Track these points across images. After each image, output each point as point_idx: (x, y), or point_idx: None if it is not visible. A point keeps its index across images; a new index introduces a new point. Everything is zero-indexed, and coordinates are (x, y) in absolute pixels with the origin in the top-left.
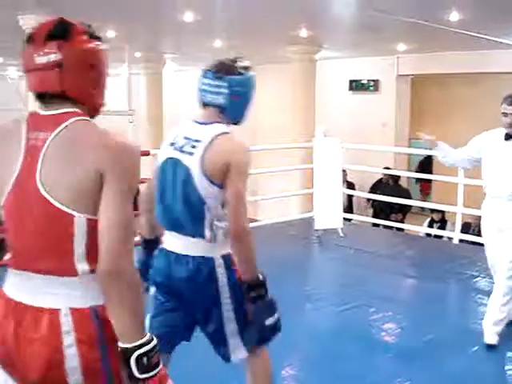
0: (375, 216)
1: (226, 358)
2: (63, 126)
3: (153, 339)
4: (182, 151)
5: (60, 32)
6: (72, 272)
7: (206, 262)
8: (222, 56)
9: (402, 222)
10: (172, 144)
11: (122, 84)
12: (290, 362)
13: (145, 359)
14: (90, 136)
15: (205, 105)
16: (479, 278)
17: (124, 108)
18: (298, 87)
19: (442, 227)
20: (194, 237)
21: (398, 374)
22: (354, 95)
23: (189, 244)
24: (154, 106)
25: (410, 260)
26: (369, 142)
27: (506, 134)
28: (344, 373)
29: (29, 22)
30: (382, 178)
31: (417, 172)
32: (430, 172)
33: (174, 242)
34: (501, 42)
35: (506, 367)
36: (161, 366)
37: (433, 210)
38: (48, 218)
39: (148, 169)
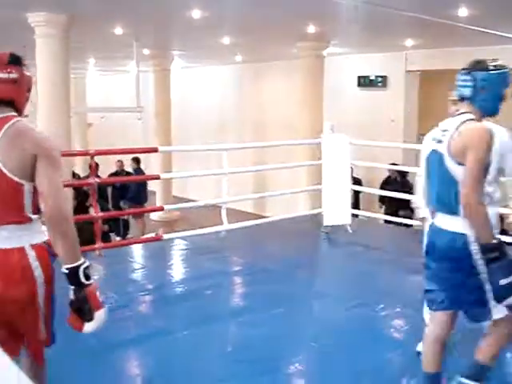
0: (387, 213)
1: (483, 318)
2: (10, 123)
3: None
4: (438, 141)
5: (16, 60)
6: (27, 220)
7: (460, 237)
8: (230, 52)
9: (410, 218)
10: (434, 138)
11: (130, 81)
12: (302, 356)
13: (86, 271)
14: (26, 132)
15: (459, 98)
16: None
17: (132, 105)
18: (306, 83)
19: None
20: (451, 214)
21: (410, 370)
22: (362, 91)
23: (447, 220)
24: (161, 103)
25: (419, 256)
26: (377, 138)
27: None
28: (358, 368)
29: (37, 19)
30: (390, 175)
31: None
32: None
33: (439, 218)
34: (510, 38)
35: None
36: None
37: None
38: (8, 187)
39: (157, 165)
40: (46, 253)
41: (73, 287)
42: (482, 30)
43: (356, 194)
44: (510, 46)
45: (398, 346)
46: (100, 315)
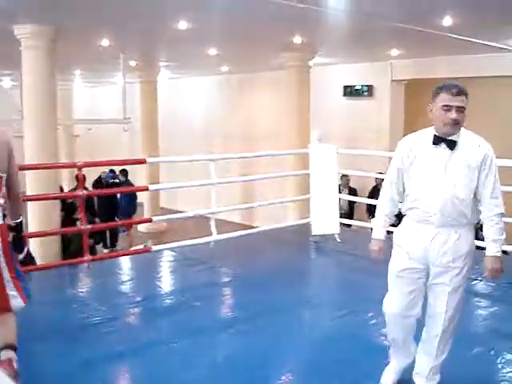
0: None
1: None
2: None
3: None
4: None
5: None
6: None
7: None
8: (217, 63)
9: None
10: None
11: (117, 92)
12: (292, 367)
13: (22, 224)
14: (3, 136)
15: None
16: (477, 281)
17: (119, 116)
18: (292, 93)
19: None
20: None
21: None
22: (348, 101)
23: None
24: (148, 114)
25: None
26: (364, 147)
27: (436, 137)
28: (348, 377)
29: (24, 31)
30: (376, 184)
31: None
32: None
33: None
34: (494, 46)
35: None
36: None
37: None
38: None
39: (144, 176)
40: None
41: (14, 233)
42: (466, 38)
43: (350, 203)
44: (491, 55)
45: (387, 354)
46: (25, 250)
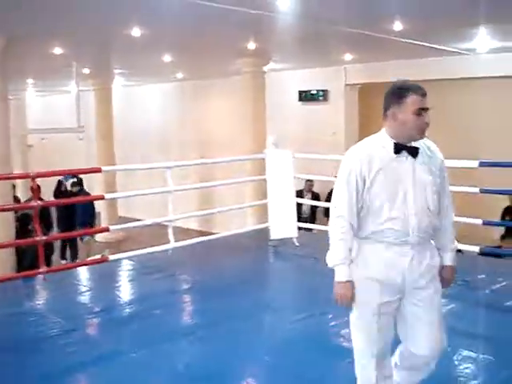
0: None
1: None
2: None
3: None
4: None
5: None
6: None
7: None
8: (171, 69)
9: None
10: None
11: (71, 101)
12: (252, 372)
13: None
14: None
15: None
16: None
17: (74, 125)
18: (248, 99)
19: None
20: None
21: None
22: (303, 106)
23: None
24: (103, 122)
25: None
26: (320, 152)
27: (397, 145)
28: (308, 379)
29: None
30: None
31: None
32: None
33: None
34: (443, 49)
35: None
36: None
37: None
38: None
39: (100, 185)
40: None
41: None
42: (416, 42)
43: (313, 208)
44: (440, 58)
45: (347, 355)
46: None
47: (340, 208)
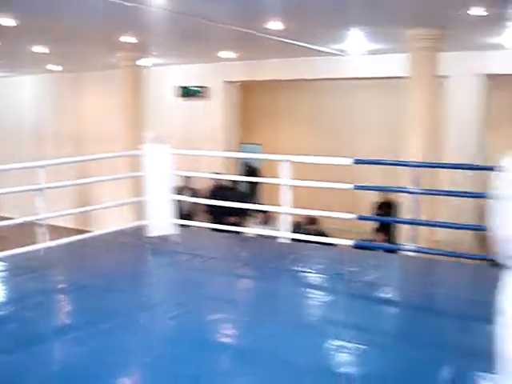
0: (215, 221)
1: None
2: None
3: None
4: None
5: None
6: None
7: None
8: (46, 61)
9: (238, 225)
10: None
11: None
12: (128, 371)
13: None
14: None
15: None
16: (309, 274)
17: None
18: (126, 94)
19: (273, 228)
20: None
21: (238, 372)
22: (184, 102)
23: None
24: None
25: (244, 261)
26: (200, 148)
27: None
28: (184, 376)
29: None
30: (216, 184)
31: (248, 176)
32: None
33: None
34: (320, 50)
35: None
36: None
37: (261, 211)
38: None
39: None
40: None
41: None
42: (292, 42)
43: (192, 204)
44: (318, 58)
45: (225, 348)
46: None
47: None
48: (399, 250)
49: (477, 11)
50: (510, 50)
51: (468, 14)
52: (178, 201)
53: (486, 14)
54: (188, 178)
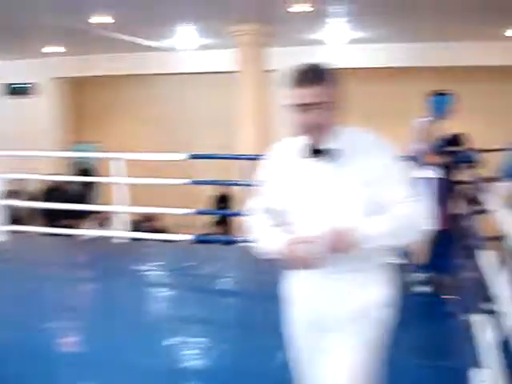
0: (50, 225)
1: None
2: None
3: None
4: None
5: None
6: None
7: None
8: None
9: (74, 227)
10: None
11: None
12: None
13: None
14: None
15: None
16: (149, 272)
17: None
18: None
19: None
20: None
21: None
22: (10, 100)
23: None
24: None
25: (79, 264)
26: (30, 148)
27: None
28: None
29: None
30: (51, 185)
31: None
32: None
33: None
34: (151, 46)
35: None
36: None
37: (97, 212)
38: None
39: None
40: None
41: None
42: (124, 37)
43: (28, 208)
44: (151, 53)
45: (65, 358)
46: None
47: None
48: (236, 242)
49: (301, 8)
50: (330, 45)
51: (289, 12)
52: (9, 205)
53: (311, 9)
54: (21, 180)
